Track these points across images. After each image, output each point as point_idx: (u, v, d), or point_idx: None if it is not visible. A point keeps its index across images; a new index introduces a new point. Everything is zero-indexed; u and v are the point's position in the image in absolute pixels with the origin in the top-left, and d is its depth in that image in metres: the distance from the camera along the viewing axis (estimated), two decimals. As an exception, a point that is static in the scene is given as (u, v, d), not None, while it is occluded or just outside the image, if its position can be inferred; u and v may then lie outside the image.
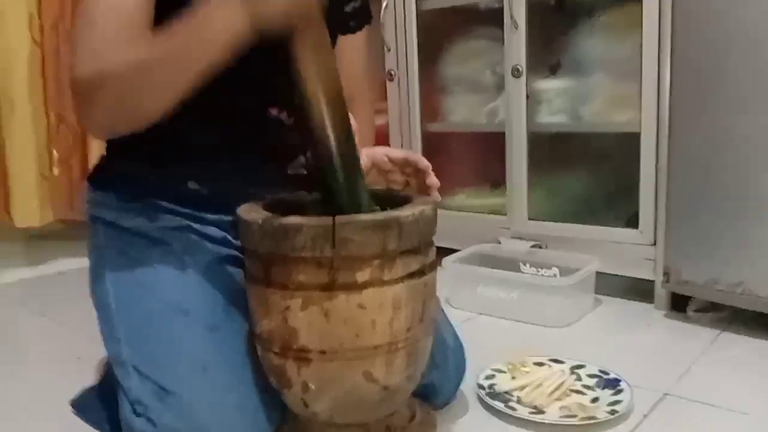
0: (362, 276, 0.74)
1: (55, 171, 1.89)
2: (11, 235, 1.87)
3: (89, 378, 1.17)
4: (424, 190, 0.89)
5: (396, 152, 0.90)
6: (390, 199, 0.88)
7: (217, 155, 0.95)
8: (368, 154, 0.91)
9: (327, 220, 0.73)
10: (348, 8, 1.07)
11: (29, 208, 1.84)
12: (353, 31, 1.08)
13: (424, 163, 0.87)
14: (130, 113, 0.79)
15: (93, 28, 0.78)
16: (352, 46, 1.09)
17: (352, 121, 0.84)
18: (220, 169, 0.94)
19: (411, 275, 0.78)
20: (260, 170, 0.94)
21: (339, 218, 0.73)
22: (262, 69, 0.90)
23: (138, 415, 0.80)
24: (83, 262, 0.98)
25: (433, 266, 0.84)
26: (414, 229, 0.77)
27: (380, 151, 0.91)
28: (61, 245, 1.92)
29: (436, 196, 0.88)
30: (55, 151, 1.89)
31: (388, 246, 0.74)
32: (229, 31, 0.72)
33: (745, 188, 1.25)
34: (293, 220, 0.74)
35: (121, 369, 0.85)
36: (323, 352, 0.76)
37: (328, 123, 0.74)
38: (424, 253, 0.80)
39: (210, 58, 0.74)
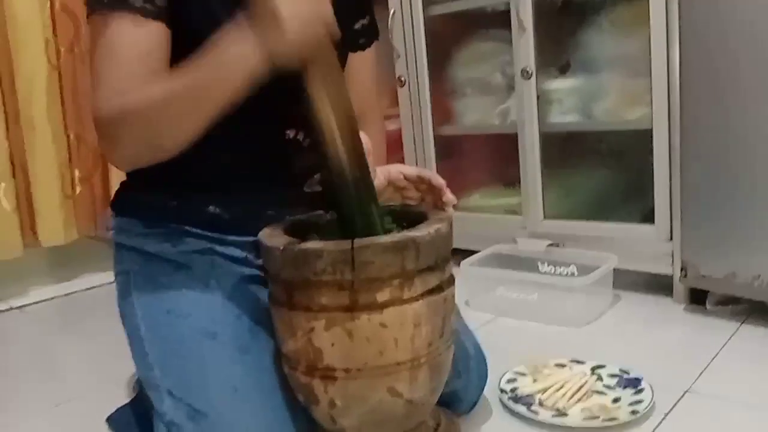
0: (382, 296, 0.77)
1: (78, 189, 1.94)
2: (38, 253, 1.92)
3: (122, 395, 1.21)
4: (440, 205, 0.90)
5: (410, 169, 0.92)
6: (406, 215, 0.91)
7: (236, 179, 0.97)
8: (383, 172, 0.93)
9: (346, 245, 0.75)
10: (357, 26, 1.09)
11: (54, 227, 1.89)
12: (363, 48, 1.10)
13: (438, 181, 0.89)
14: (152, 147, 0.83)
15: (115, 67, 0.81)
16: (361, 62, 1.11)
17: (366, 140, 0.86)
18: (239, 192, 0.97)
19: (430, 292, 0.80)
20: (278, 191, 0.97)
21: (357, 242, 0.75)
22: (278, 93, 0.93)
23: (173, 436, 0.83)
24: (109, 277, 1.01)
25: (451, 281, 0.86)
26: (431, 247, 0.79)
27: (395, 169, 0.93)
28: (87, 262, 1.96)
29: (450, 211, 0.90)
30: (76, 170, 1.93)
31: (406, 266, 0.77)
32: (245, 68, 0.75)
33: (759, 180, 1.25)
34: (313, 245, 0.77)
35: (154, 392, 0.88)
36: (348, 371, 0.78)
37: (341, 151, 0.77)
38: (442, 269, 0.82)
39: (227, 93, 0.77)
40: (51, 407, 1.22)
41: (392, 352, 0.78)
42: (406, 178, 0.92)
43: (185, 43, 0.82)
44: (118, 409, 1.12)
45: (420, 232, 0.78)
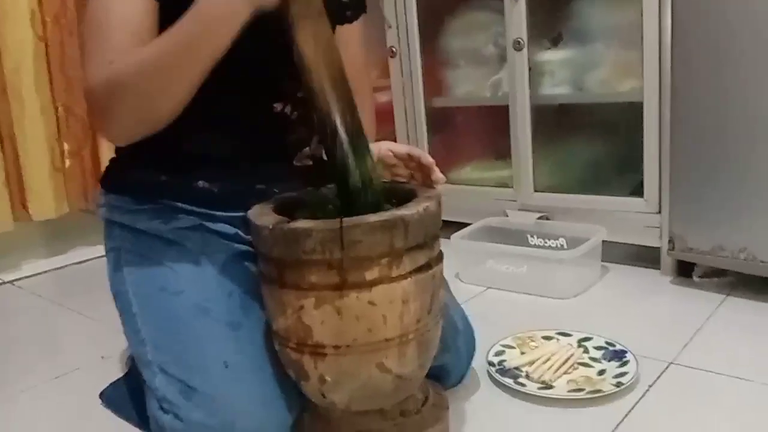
0: (371, 274, 0.77)
1: (67, 163, 1.93)
2: (30, 227, 1.92)
3: (117, 368, 1.23)
4: (429, 183, 0.91)
5: (400, 147, 0.93)
6: (395, 192, 0.91)
7: (225, 154, 0.98)
8: (373, 149, 0.92)
9: (335, 223, 0.75)
10: None
11: (45, 201, 1.88)
12: (350, 20, 1.09)
13: (428, 159, 0.90)
14: (147, 115, 0.83)
15: (104, 40, 0.82)
16: (349, 36, 1.09)
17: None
18: (228, 167, 0.97)
19: (418, 270, 0.81)
20: (267, 166, 0.97)
21: (346, 221, 0.76)
22: (264, 66, 0.93)
23: (166, 412, 0.85)
24: (102, 251, 1.02)
25: (440, 258, 0.87)
26: (419, 225, 0.79)
27: (384, 146, 0.93)
28: (80, 235, 1.96)
29: (439, 188, 0.90)
30: (66, 144, 1.92)
31: (395, 244, 0.77)
32: (228, 14, 0.76)
33: (748, 155, 1.26)
34: (302, 224, 0.77)
35: (146, 369, 0.90)
36: (337, 347, 0.80)
37: (332, 102, 0.77)
38: (430, 246, 0.83)
39: (213, 43, 0.78)
40: (48, 380, 1.24)
41: (381, 329, 0.79)
42: (395, 155, 0.92)
43: (175, 14, 0.82)
44: (111, 384, 1.13)
45: (409, 210, 0.79)
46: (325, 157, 0.81)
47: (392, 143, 0.94)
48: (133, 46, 0.81)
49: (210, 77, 0.83)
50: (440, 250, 0.88)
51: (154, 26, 0.85)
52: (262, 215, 0.83)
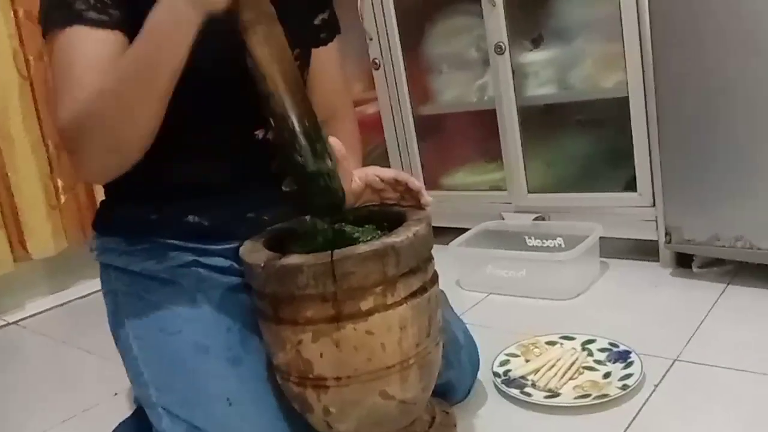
0: (366, 304, 0.78)
1: (63, 199, 1.93)
2: (30, 266, 1.92)
3: (124, 408, 1.23)
4: (419, 205, 0.91)
5: (386, 172, 0.93)
6: (385, 215, 0.92)
7: (211, 185, 0.98)
8: (360, 176, 0.93)
9: (326, 257, 0.76)
10: (317, 21, 1.08)
11: (43, 239, 1.88)
12: (325, 42, 1.09)
13: (415, 184, 0.90)
14: (115, 143, 0.81)
15: (73, 79, 0.81)
16: (327, 58, 1.10)
17: (339, 145, 0.86)
18: (216, 197, 0.97)
19: (413, 294, 0.81)
20: (255, 193, 0.97)
21: (337, 253, 0.76)
22: (240, 94, 0.93)
23: (174, 454, 0.85)
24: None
25: (435, 279, 0.87)
26: (411, 251, 0.79)
27: (371, 171, 0.93)
28: (81, 269, 1.96)
29: (429, 209, 0.90)
30: (59, 180, 1.92)
31: (387, 272, 0.77)
32: (177, 25, 0.74)
33: (737, 141, 1.26)
34: (293, 260, 0.77)
35: (152, 411, 0.90)
36: (339, 379, 0.80)
37: (288, 106, 0.75)
38: (424, 270, 0.83)
39: (169, 57, 0.76)
40: (57, 424, 1.24)
41: (380, 357, 0.79)
42: (382, 180, 0.92)
43: None
44: (120, 424, 1.13)
45: (399, 237, 0.79)
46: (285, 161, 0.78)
47: (378, 168, 0.94)
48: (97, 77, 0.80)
49: (191, 107, 0.84)
50: (435, 271, 0.88)
51: None
52: (254, 252, 0.83)
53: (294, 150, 0.76)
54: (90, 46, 0.82)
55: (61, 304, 1.94)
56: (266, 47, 0.76)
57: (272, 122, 0.77)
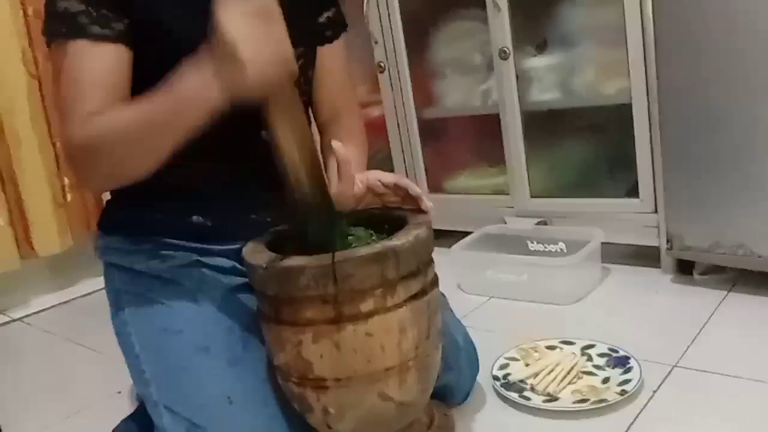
0: (366, 306, 0.78)
1: (69, 197, 1.95)
2: (36, 263, 1.93)
3: (127, 406, 1.24)
4: (419, 209, 0.91)
5: (387, 177, 0.93)
6: (386, 219, 0.92)
7: (215, 185, 0.98)
8: (362, 180, 0.93)
9: (326, 259, 0.77)
10: (322, 19, 1.08)
11: (49, 237, 1.90)
12: (330, 40, 1.09)
13: (415, 190, 0.90)
14: (121, 173, 0.85)
15: (78, 96, 0.82)
16: (332, 56, 1.10)
17: (343, 151, 0.88)
18: (219, 198, 0.98)
19: (413, 297, 0.82)
20: (259, 194, 0.98)
21: (338, 255, 0.77)
22: None
23: (175, 451, 0.86)
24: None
25: (435, 282, 0.88)
26: (411, 254, 0.80)
27: (372, 176, 0.94)
28: (86, 267, 1.97)
29: (430, 214, 0.91)
30: (66, 178, 1.94)
31: (387, 275, 0.78)
32: (205, 105, 0.76)
33: (740, 150, 1.26)
34: (295, 262, 0.78)
35: (153, 409, 0.91)
36: (338, 380, 0.81)
37: (306, 185, 0.80)
38: (424, 273, 0.84)
39: (187, 126, 0.78)
40: (62, 420, 1.25)
41: (380, 358, 0.80)
42: (384, 185, 0.93)
43: (150, 64, 0.84)
44: (122, 421, 1.14)
45: (399, 240, 0.80)
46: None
47: (380, 172, 0.94)
48: (109, 102, 0.83)
49: None
50: (435, 274, 0.89)
51: (128, 77, 0.87)
52: (256, 253, 0.84)
53: (309, 224, 0.83)
54: (94, 61, 0.83)
55: (66, 302, 1.95)
56: (288, 131, 0.79)
57: (291, 197, 0.82)
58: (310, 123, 0.83)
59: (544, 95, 1.63)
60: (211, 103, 0.75)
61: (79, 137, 0.81)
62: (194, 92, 0.76)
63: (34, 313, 1.89)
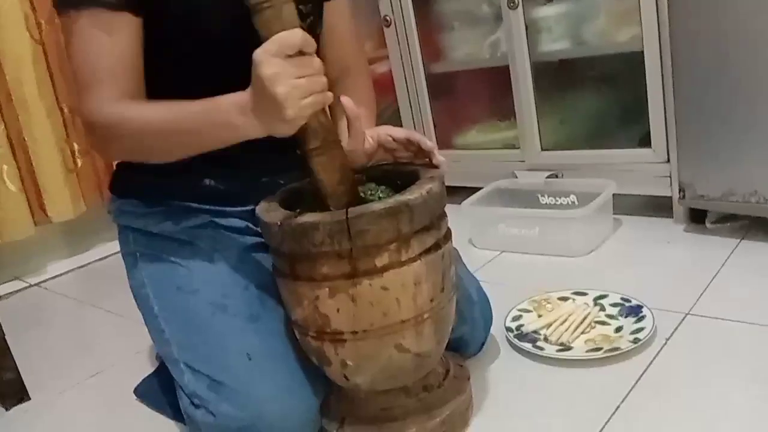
0: (381, 261, 0.79)
1: (79, 163, 1.95)
2: (50, 229, 1.95)
3: (147, 364, 1.27)
4: (431, 163, 0.91)
5: (398, 132, 0.93)
6: (398, 174, 0.92)
7: (227, 150, 0.98)
8: (372, 136, 0.93)
9: (341, 215, 0.77)
10: None
11: (62, 203, 1.91)
12: None
13: (426, 144, 0.90)
14: (140, 158, 0.92)
15: (97, 75, 0.84)
16: (338, 14, 1.09)
17: (352, 106, 0.87)
18: (231, 163, 0.98)
19: (427, 251, 0.82)
20: (270, 158, 0.98)
21: (352, 211, 0.77)
22: None
23: (197, 407, 0.89)
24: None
25: (448, 236, 0.88)
26: (424, 209, 0.81)
27: (383, 131, 0.93)
28: (100, 232, 2.00)
29: (443, 168, 0.91)
30: (75, 144, 1.94)
31: (401, 230, 0.79)
32: (244, 128, 0.79)
33: (753, 96, 1.24)
34: (309, 218, 0.79)
35: (174, 367, 0.93)
36: (355, 333, 0.82)
37: (338, 201, 0.84)
38: (437, 227, 0.85)
39: (216, 141, 0.83)
40: (84, 380, 1.28)
41: (396, 311, 0.81)
42: (395, 140, 0.93)
43: (164, 28, 0.84)
44: (144, 380, 1.17)
45: (412, 195, 0.80)
46: None
47: (390, 127, 0.94)
48: (128, 80, 0.86)
49: (209, 76, 0.85)
50: (448, 228, 0.89)
51: (140, 45, 0.88)
52: (270, 211, 0.85)
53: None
54: (106, 32, 0.84)
55: (82, 266, 1.98)
56: (330, 172, 0.83)
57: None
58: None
59: (555, 45, 1.60)
60: (246, 132, 0.79)
61: (100, 116, 0.84)
62: (233, 114, 0.78)
63: (51, 278, 1.92)
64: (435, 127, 1.88)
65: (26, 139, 1.84)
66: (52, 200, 1.90)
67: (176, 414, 1.02)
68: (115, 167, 1.06)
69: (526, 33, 1.59)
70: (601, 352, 1.02)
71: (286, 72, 0.72)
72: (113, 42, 0.84)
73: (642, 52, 1.43)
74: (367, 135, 0.92)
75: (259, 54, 0.73)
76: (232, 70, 0.78)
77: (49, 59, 1.87)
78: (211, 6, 0.89)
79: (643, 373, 0.98)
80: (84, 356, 1.40)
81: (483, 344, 1.09)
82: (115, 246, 1.07)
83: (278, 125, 0.75)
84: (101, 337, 1.51)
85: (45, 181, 1.88)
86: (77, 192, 1.95)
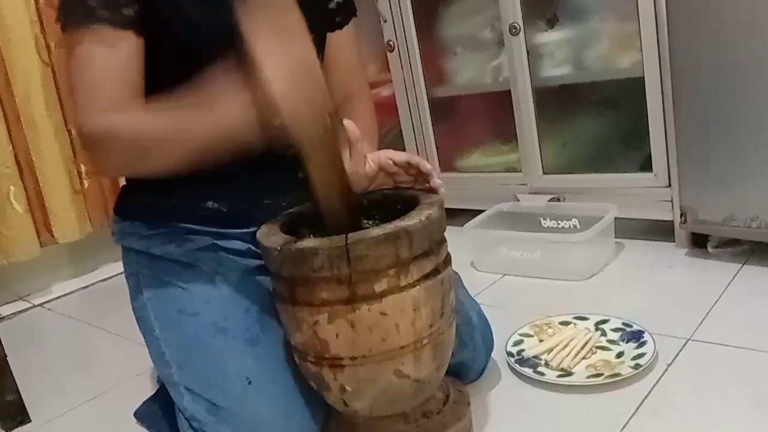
0: (380, 286, 0.79)
1: (86, 184, 1.97)
2: (56, 250, 1.96)
3: (148, 387, 1.27)
4: (431, 188, 0.92)
5: (398, 155, 0.94)
6: (398, 199, 0.93)
7: (230, 171, 0.99)
8: (373, 159, 0.94)
9: (340, 240, 0.78)
10: (332, 5, 1.08)
11: (68, 223, 1.92)
12: (341, 26, 1.10)
13: (426, 166, 0.91)
14: (137, 169, 0.90)
15: (95, 88, 0.84)
16: (342, 41, 1.10)
17: (353, 128, 0.88)
18: (234, 184, 0.99)
19: (426, 276, 0.83)
20: (273, 179, 0.99)
21: (351, 237, 0.78)
22: None
23: (195, 430, 0.88)
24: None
25: (448, 261, 0.88)
26: (423, 234, 0.81)
27: (384, 155, 0.94)
28: (105, 253, 2.00)
29: (442, 191, 0.91)
30: (82, 165, 1.96)
31: (400, 255, 0.79)
32: (242, 141, 0.80)
33: (752, 122, 1.25)
34: (309, 243, 0.79)
35: (174, 389, 0.93)
36: (354, 358, 0.82)
37: (337, 213, 0.83)
38: (436, 252, 0.85)
39: (219, 152, 0.82)
40: (84, 402, 1.28)
41: (395, 337, 0.81)
42: (395, 163, 0.93)
43: (164, 48, 0.86)
44: (144, 402, 1.17)
45: (411, 220, 0.81)
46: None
47: (391, 151, 0.95)
48: (124, 93, 0.85)
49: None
50: (447, 253, 0.89)
51: (140, 62, 0.88)
52: (270, 235, 0.85)
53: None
54: (107, 48, 0.84)
55: (85, 287, 1.99)
56: (325, 177, 0.81)
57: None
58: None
59: (556, 70, 1.62)
60: (247, 142, 0.79)
61: (96, 128, 0.83)
62: (237, 119, 0.79)
63: (55, 298, 1.93)
64: (437, 150, 1.89)
65: (34, 159, 1.86)
66: (59, 221, 1.91)
67: (175, 436, 1.02)
68: (121, 189, 1.07)
69: (528, 58, 1.61)
70: (603, 377, 1.02)
71: (295, 90, 0.73)
72: (115, 58, 0.84)
73: (643, 77, 1.44)
74: (368, 158, 0.93)
75: (268, 69, 0.73)
76: None
77: (58, 81, 1.89)
78: (212, 29, 0.90)
79: (644, 399, 0.97)
80: (85, 378, 1.40)
81: (484, 369, 1.09)
82: (119, 267, 1.07)
83: (279, 133, 0.76)
84: (103, 358, 1.51)
85: (52, 202, 1.90)
86: (83, 213, 1.97)
